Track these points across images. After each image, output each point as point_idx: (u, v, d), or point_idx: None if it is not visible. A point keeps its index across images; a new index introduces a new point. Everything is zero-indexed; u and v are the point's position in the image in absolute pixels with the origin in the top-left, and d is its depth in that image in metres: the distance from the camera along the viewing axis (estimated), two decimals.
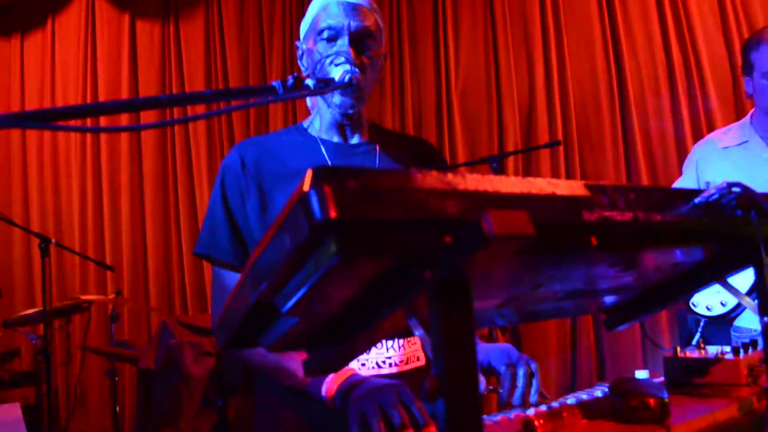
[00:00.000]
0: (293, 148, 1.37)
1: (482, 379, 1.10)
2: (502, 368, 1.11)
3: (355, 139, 1.41)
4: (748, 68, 2.03)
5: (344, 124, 1.38)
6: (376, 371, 1.27)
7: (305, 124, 1.45)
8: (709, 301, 1.98)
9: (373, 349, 1.28)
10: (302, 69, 1.41)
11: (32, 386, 3.42)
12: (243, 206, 1.31)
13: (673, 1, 3.40)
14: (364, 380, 1.08)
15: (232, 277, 1.30)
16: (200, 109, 3.80)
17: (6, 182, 4.50)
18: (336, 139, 1.39)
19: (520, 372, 1.09)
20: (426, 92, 3.83)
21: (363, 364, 1.27)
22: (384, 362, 1.29)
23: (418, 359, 1.34)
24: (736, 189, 0.71)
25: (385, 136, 1.47)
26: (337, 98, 1.31)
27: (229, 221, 1.30)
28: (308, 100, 1.50)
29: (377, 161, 1.39)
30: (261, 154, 1.34)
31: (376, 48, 1.35)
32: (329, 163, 1.35)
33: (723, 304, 1.95)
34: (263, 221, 1.29)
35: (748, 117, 2.13)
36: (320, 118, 1.40)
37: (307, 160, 1.35)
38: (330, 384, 1.11)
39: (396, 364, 1.30)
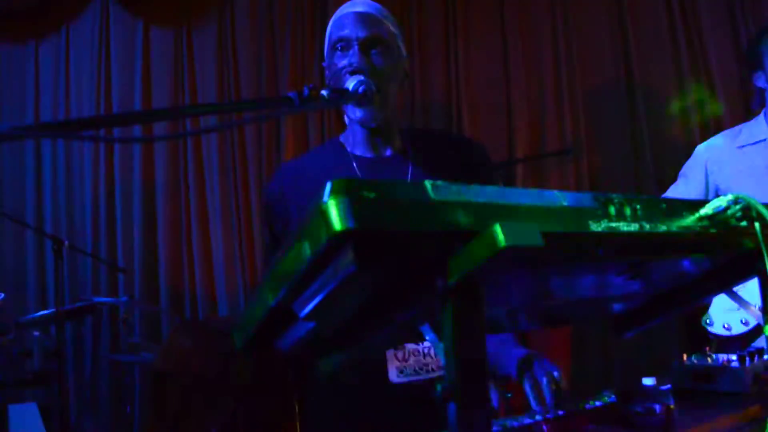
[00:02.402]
0: (328, 169, 1.40)
1: (495, 394, 1.11)
2: (525, 383, 1.12)
3: (387, 152, 1.42)
4: (759, 61, 1.97)
5: (374, 137, 1.40)
6: (414, 377, 1.29)
7: (342, 138, 1.47)
8: (727, 319, 1.84)
9: (412, 356, 1.30)
10: None
11: (43, 387, 3.45)
12: (285, 232, 1.38)
13: (682, 8, 3.40)
14: None
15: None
16: (213, 118, 3.84)
17: (20, 184, 4.56)
18: (369, 153, 1.41)
19: (544, 382, 1.10)
20: (435, 99, 3.84)
21: (402, 371, 1.29)
22: (422, 368, 1.30)
23: None
24: (740, 201, 0.72)
25: (421, 141, 1.46)
26: (357, 113, 1.33)
27: (273, 249, 1.42)
28: (345, 117, 1.51)
29: (409, 173, 1.41)
30: (298, 177, 1.40)
31: (391, 54, 1.37)
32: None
33: (745, 323, 1.82)
34: None
35: (761, 116, 2.06)
36: (353, 134, 1.43)
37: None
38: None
39: (434, 369, 1.31)
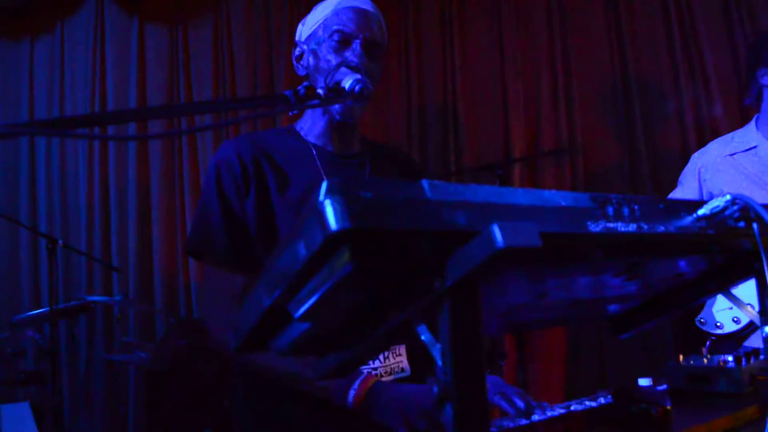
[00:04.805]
0: (287, 153, 1.36)
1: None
2: (495, 398, 1.11)
3: (347, 149, 1.41)
4: (765, 58, 1.96)
5: (339, 132, 1.38)
6: None
7: (297, 126, 1.44)
8: (720, 318, 1.89)
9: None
10: (298, 69, 1.41)
11: (37, 386, 3.44)
12: (241, 203, 1.28)
13: (679, 8, 3.41)
14: (394, 386, 1.11)
15: (228, 278, 1.27)
16: (208, 116, 3.83)
17: (14, 183, 4.53)
18: (329, 147, 1.39)
19: (517, 400, 1.09)
20: (432, 98, 3.84)
21: None
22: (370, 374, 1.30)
23: (402, 370, 1.34)
24: (738, 201, 0.72)
25: (373, 148, 1.48)
26: (339, 105, 1.32)
27: (226, 219, 1.26)
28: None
29: (367, 173, 1.40)
30: (257, 154, 1.32)
31: (381, 59, 1.37)
32: (322, 172, 1.35)
33: (736, 321, 1.86)
34: (261, 224, 1.28)
35: (752, 122, 2.08)
36: (313, 124, 1.40)
37: (301, 167, 1.33)
38: (358, 390, 1.12)
39: (381, 375, 1.30)
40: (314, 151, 1.37)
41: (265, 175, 1.31)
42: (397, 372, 1.33)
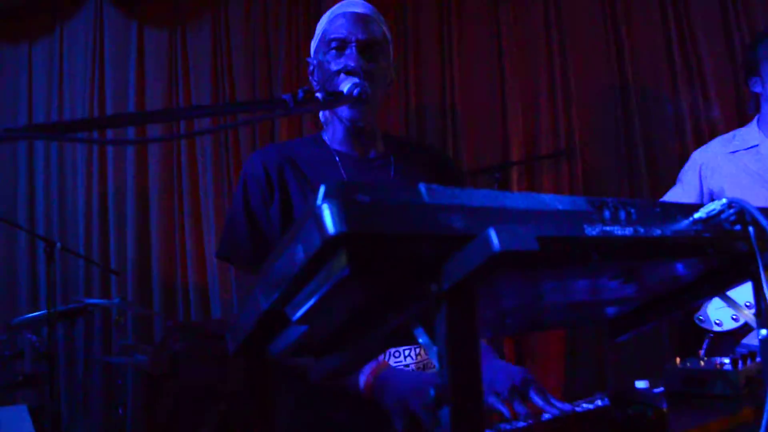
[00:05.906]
0: (312, 161, 1.39)
1: (501, 405, 1.09)
2: (507, 393, 1.11)
3: (371, 152, 1.43)
4: (755, 66, 2.00)
5: (358, 136, 1.40)
6: None
7: (323, 135, 1.47)
8: (719, 315, 1.92)
9: (391, 358, 1.30)
10: (314, 84, 1.43)
11: (35, 389, 3.43)
12: (266, 212, 1.33)
13: (677, 12, 3.42)
14: (402, 373, 1.11)
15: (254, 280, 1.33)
16: (207, 120, 3.83)
17: (12, 185, 4.53)
18: (352, 152, 1.41)
19: (532, 395, 1.09)
20: (430, 101, 3.85)
21: None
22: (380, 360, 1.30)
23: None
24: (734, 205, 0.72)
25: (400, 147, 1.48)
26: (345, 111, 1.33)
27: (252, 227, 1.33)
28: (321, 113, 1.52)
29: (392, 174, 1.41)
30: (282, 162, 1.37)
31: (384, 58, 1.37)
32: (344, 176, 1.38)
33: (735, 320, 1.89)
34: (286, 229, 1.31)
35: (754, 122, 2.10)
36: (334, 131, 1.43)
37: (324, 173, 1.37)
38: (368, 376, 1.13)
39: (413, 371, 1.31)
40: (337, 158, 1.40)
41: (289, 181, 1.36)
42: (430, 367, 1.34)
